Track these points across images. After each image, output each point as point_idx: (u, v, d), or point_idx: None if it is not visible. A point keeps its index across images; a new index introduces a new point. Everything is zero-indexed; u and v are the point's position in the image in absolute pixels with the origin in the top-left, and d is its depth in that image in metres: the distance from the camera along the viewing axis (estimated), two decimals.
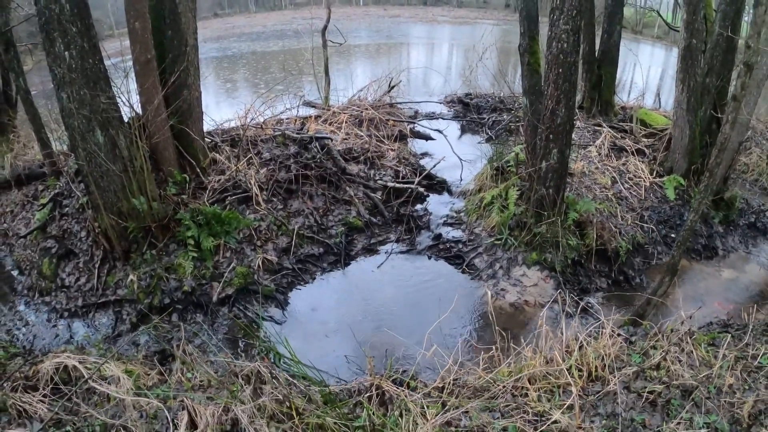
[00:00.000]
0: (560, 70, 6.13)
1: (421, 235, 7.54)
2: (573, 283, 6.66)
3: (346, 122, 9.70)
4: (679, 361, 5.17)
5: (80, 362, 3.80)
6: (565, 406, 3.84)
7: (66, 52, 5.24)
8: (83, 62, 5.31)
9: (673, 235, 7.88)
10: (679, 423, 4.09)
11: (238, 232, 6.48)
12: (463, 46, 21.08)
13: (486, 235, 7.26)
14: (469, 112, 11.68)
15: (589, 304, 6.35)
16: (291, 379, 3.67)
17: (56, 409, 3.32)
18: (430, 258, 7.18)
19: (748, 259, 8.41)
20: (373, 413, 3.12)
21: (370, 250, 7.18)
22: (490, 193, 7.46)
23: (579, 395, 4.28)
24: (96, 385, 3.51)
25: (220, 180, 7.12)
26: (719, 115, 8.17)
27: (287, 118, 10.01)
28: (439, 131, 10.22)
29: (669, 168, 8.91)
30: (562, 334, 4.82)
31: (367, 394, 3.29)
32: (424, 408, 3.39)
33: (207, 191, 6.86)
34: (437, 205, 8.35)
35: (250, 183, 7.18)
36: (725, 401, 4.37)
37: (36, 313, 5.85)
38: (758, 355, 5.11)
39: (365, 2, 33.20)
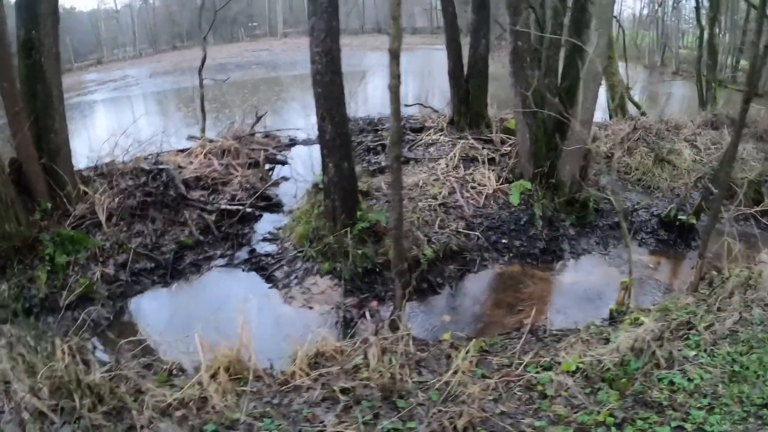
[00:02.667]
0: (320, 90, 6.83)
1: (242, 251, 8.33)
2: (366, 291, 6.96)
3: (205, 154, 10.19)
4: (410, 366, 5.19)
5: None
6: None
7: None
8: None
9: (504, 241, 7.91)
10: (342, 422, 4.20)
11: (87, 251, 7.64)
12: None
13: (292, 247, 7.79)
14: None
15: (373, 309, 6.63)
16: None
17: None
18: (244, 270, 7.87)
19: (602, 261, 8.36)
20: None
21: (196, 265, 8.04)
22: (303, 209, 7.73)
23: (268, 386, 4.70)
24: None
25: (82, 208, 8.36)
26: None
27: (157, 152, 10.59)
28: (287, 156, 10.63)
29: (519, 174, 8.99)
30: None
31: None
32: None
33: (70, 217, 8.15)
34: (268, 223, 8.99)
35: (101, 210, 8.31)
36: (438, 410, 4.35)
37: None
38: (521, 364, 5.09)
39: None
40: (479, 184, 8.70)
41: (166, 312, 7.13)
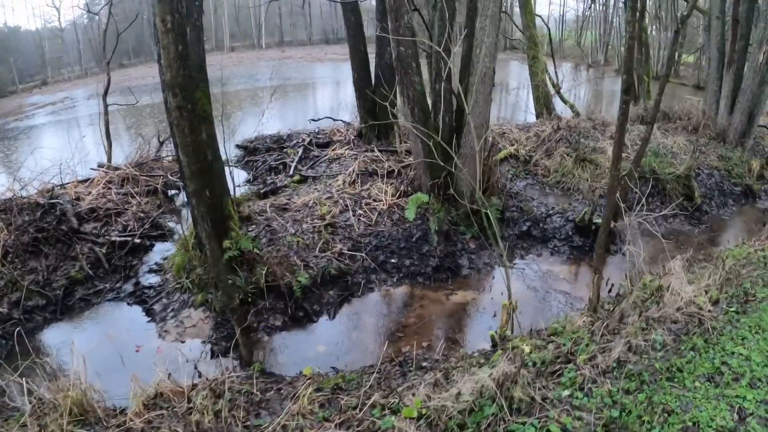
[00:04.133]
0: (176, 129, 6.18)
1: (128, 283, 7.89)
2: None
3: (105, 183, 9.71)
4: (247, 407, 4.74)
5: None
6: None
7: None
8: None
9: (393, 260, 7.38)
10: None
11: None
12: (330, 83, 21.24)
13: (172, 279, 7.30)
14: (249, 155, 11.54)
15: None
16: None
17: None
18: (129, 305, 7.42)
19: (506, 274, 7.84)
20: None
21: (86, 300, 7.71)
22: (183, 238, 7.28)
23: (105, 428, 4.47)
24: None
25: None
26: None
27: (59, 184, 10.13)
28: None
29: (418, 186, 8.49)
30: None
31: None
32: None
33: None
34: (159, 254, 8.48)
35: None
36: None
37: None
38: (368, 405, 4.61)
39: (268, 45, 33.66)
40: (374, 200, 8.16)
41: (52, 350, 6.80)
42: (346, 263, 7.05)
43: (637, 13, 6.17)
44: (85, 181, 10.40)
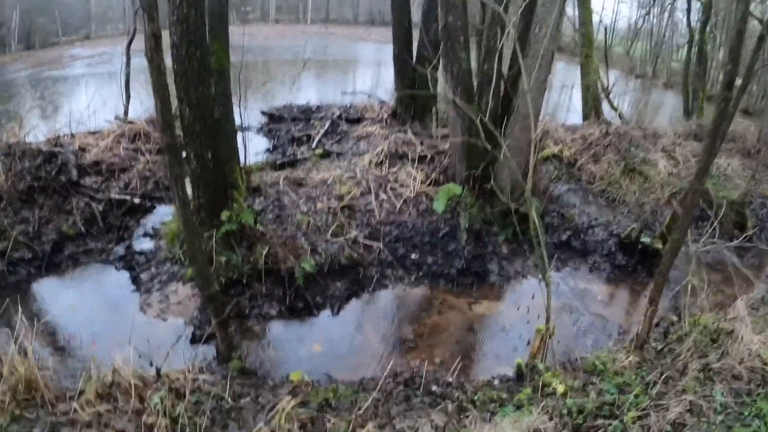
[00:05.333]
0: (175, 66, 5.37)
1: (121, 245, 7.14)
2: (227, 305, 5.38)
3: (116, 137, 8.93)
4: (213, 416, 3.77)
5: None
6: None
7: None
8: None
9: (414, 256, 6.26)
10: None
11: None
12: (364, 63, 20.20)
13: (165, 247, 6.43)
14: (273, 122, 10.50)
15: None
16: None
17: None
18: (117, 269, 6.69)
19: (538, 288, 6.63)
20: None
21: (74, 258, 7.08)
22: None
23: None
24: None
25: None
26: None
27: (69, 134, 9.41)
28: None
29: (452, 175, 7.32)
30: None
31: None
32: None
33: None
34: (160, 217, 7.65)
35: None
36: None
37: None
38: None
39: (313, 20, 32.39)
40: (401, 185, 7.04)
41: (28, 311, 5.80)
42: (359, 252, 5.98)
43: None
44: (96, 132, 9.53)
